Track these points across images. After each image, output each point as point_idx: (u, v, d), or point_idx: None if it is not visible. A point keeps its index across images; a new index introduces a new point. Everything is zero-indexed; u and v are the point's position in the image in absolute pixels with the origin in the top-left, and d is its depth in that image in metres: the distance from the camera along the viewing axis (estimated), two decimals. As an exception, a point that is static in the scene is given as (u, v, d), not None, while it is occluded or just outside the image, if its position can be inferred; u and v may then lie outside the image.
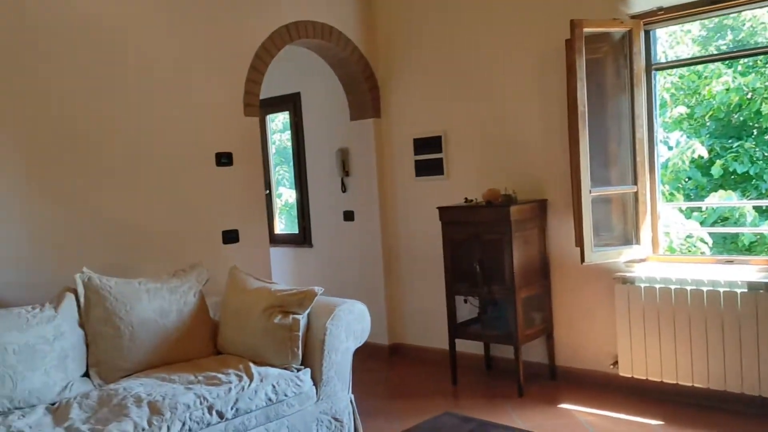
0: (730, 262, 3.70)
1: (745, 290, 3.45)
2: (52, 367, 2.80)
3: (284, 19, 4.45)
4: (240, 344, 3.25)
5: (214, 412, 2.69)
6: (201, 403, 2.68)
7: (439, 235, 4.37)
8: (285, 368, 3.06)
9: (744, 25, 6.31)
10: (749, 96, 6.34)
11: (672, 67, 5.22)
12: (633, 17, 3.84)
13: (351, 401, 3.30)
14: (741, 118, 6.48)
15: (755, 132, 6.48)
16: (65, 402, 2.74)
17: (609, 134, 3.98)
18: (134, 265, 3.62)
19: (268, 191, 5.93)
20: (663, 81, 6.54)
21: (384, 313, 5.20)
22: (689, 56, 6.36)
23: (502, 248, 4.01)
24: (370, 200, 5.24)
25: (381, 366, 4.99)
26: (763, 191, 6.32)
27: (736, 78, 6.36)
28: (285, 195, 7.00)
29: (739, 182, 6.46)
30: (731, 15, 3.85)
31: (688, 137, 6.74)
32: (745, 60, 6.24)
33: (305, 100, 5.77)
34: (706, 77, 6.58)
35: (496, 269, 4.08)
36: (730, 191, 6.32)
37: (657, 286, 3.74)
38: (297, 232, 6.01)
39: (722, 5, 3.60)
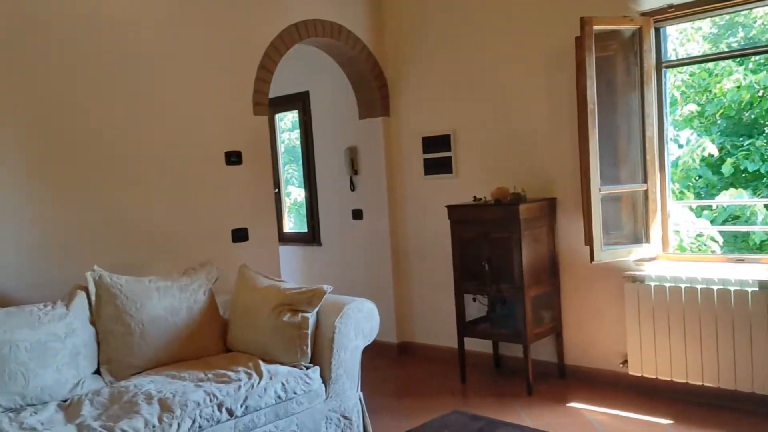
0: (741, 260, 3.68)
1: (756, 289, 3.43)
2: (64, 365, 2.83)
3: (293, 17, 4.46)
4: (249, 342, 3.26)
5: (223, 410, 2.70)
6: (211, 401, 2.69)
7: (448, 234, 4.37)
8: (294, 366, 3.07)
9: (755, 22, 6.26)
10: (760, 94, 6.30)
11: (682, 65, 5.20)
12: (643, 14, 3.82)
13: (360, 399, 3.30)
14: (752, 116, 6.44)
15: (766, 130, 6.43)
16: (77, 399, 2.76)
17: (619, 132, 3.96)
18: (144, 264, 3.64)
19: (277, 190, 5.94)
20: (673, 79, 6.50)
21: (393, 311, 5.20)
22: (700, 54, 6.32)
23: (511, 247, 4.01)
24: (379, 199, 5.24)
25: (390, 364, 5.00)
26: (774, 189, 6.28)
27: (747, 75, 6.32)
28: (294, 194, 7.02)
29: (750, 180, 6.42)
30: (742, 12, 3.82)
31: (698, 135, 6.70)
32: (757, 57, 6.19)
33: (314, 98, 5.78)
34: (716, 75, 6.53)
35: (504, 268, 4.07)
36: (741, 189, 6.28)
37: (667, 284, 3.72)
38: (306, 230, 6.02)
39: (733, 2, 3.58)
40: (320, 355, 3.15)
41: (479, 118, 4.64)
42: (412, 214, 5.12)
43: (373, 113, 5.19)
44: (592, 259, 3.80)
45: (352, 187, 5.43)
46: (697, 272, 3.67)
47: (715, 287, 3.55)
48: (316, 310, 3.18)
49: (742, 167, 6.32)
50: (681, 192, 6.41)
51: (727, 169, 6.38)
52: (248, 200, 4.24)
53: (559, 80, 4.18)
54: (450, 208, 4.35)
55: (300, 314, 3.13)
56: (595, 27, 3.71)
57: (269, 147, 4.44)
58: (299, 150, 6.09)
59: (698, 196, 6.68)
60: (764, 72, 6.24)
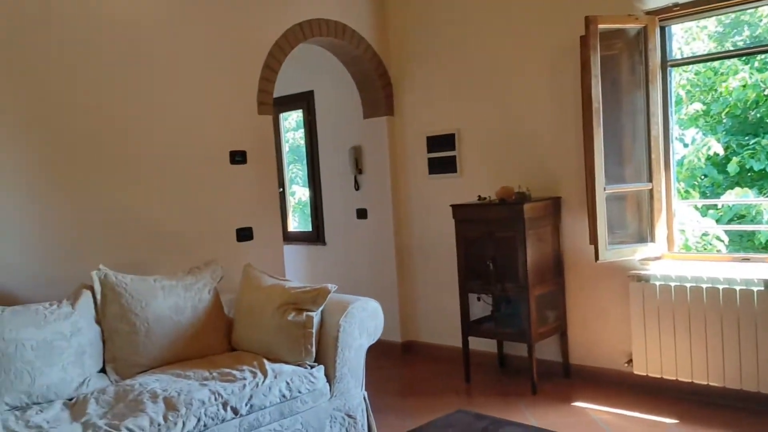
0: (747, 260, 3.67)
1: (762, 288, 3.42)
2: (70, 363, 2.84)
3: (298, 17, 4.46)
4: (254, 341, 3.27)
5: (228, 408, 2.71)
6: (216, 399, 2.70)
7: (453, 233, 4.37)
8: (299, 365, 3.07)
9: (761, 20, 6.24)
10: (766, 92, 6.27)
11: (688, 64, 5.18)
12: (648, 13, 3.81)
13: (364, 398, 3.31)
14: (758, 115, 6.42)
15: (772, 129, 6.42)
16: (82, 397, 2.78)
17: (624, 131, 3.95)
18: (149, 263, 3.65)
19: (281, 189, 5.95)
20: (678, 77, 6.48)
21: (397, 310, 5.21)
22: (705, 52, 6.30)
23: (516, 246, 4.00)
24: (383, 198, 5.24)
25: (394, 363, 5.00)
26: (780, 189, 6.26)
27: (753, 74, 6.29)
28: (298, 193, 7.03)
29: (756, 179, 6.40)
30: (748, 10, 3.80)
31: (704, 134, 6.69)
32: (762, 56, 6.17)
33: (318, 98, 5.79)
34: (722, 73, 6.51)
35: (509, 267, 4.07)
36: (746, 189, 6.26)
37: (672, 284, 3.71)
38: (310, 230, 6.03)
39: (739, 0, 3.56)
40: (325, 354, 3.16)
41: (484, 117, 4.64)
42: (416, 213, 5.12)
43: (377, 113, 5.19)
44: (596, 258, 3.79)
45: (357, 187, 5.44)
46: (702, 271, 3.66)
47: (720, 286, 3.54)
48: (320, 309, 3.18)
49: (747, 166, 6.30)
50: (686, 191, 6.39)
51: (732, 168, 6.36)
52: (253, 199, 4.25)
53: (563, 79, 4.18)
54: (454, 207, 4.35)
55: (305, 313, 3.13)
56: (600, 26, 3.70)
57: (273, 146, 4.44)
58: (304, 149, 6.10)
59: (703, 195, 6.66)
60: (770, 71, 6.22)
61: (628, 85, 3.93)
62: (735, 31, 6.44)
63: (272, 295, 3.26)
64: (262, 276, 3.48)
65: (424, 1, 4.93)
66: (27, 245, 3.22)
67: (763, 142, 6.30)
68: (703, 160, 6.43)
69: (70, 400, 2.78)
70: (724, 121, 6.61)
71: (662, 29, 3.86)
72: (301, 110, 5.99)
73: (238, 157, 4.15)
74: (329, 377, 3.12)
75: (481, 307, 4.46)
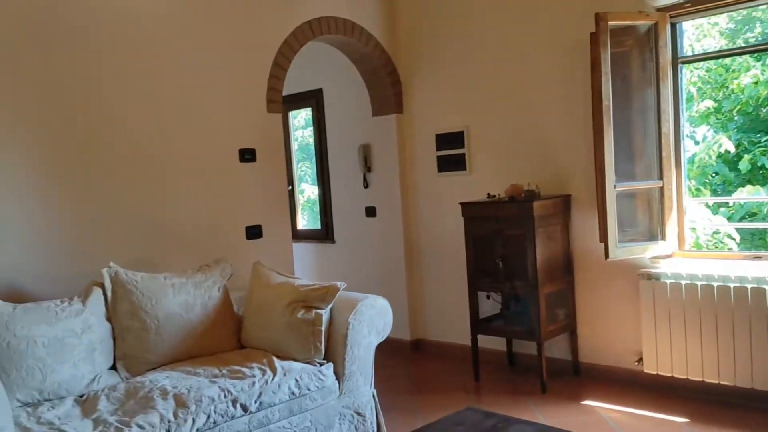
0: (758, 258, 3.64)
1: (774, 287, 3.39)
2: (81, 360, 2.86)
3: (306, 15, 4.46)
4: (263, 338, 3.27)
5: (238, 406, 2.72)
6: (225, 397, 2.71)
7: (462, 231, 4.36)
8: (308, 363, 3.08)
9: (773, 17, 6.18)
10: (778, 90, 6.22)
11: (699, 61, 5.13)
12: (659, 10, 3.79)
13: (373, 396, 3.31)
14: (770, 112, 6.36)
15: (784, 126, 6.36)
16: (93, 394, 2.79)
17: (634, 129, 3.93)
18: (160, 260, 3.66)
19: (290, 187, 5.96)
20: (689, 75, 6.43)
21: (406, 308, 5.20)
22: (716, 49, 6.25)
23: (525, 244, 3.99)
24: (392, 196, 5.24)
25: (403, 361, 5.00)
26: (793, 187, 6.20)
27: (765, 71, 6.24)
28: (307, 191, 7.03)
29: (768, 177, 6.35)
30: (760, 6, 3.77)
31: (715, 132, 6.63)
32: (775, 53, 6.12)
33: (327, 96, 5.79)
34: (733, 71, 6.46)
35: (518, 265, 4.06)
36: (758, 186, 6.21)
37: (683, 282, 3.69)
38: (319, 227, 6.04)
39: (751, -3, 3.54)
40: (334, 352, 3.16)
41: (493, 114, 4.62)
42: (425, 211, 5.12)
43: (386, 110, 5.19)
44: (606, 256, 3.78)
45: (366, 185, 5.44)
46: (713, 270, 3.63)
47: (731, 285, 3.52)
48: (329, 306, 3.18)
49: (759, 164, 6.25)
50: (697, 189, 6.34)
51: (744, 165, 6.30)
52: (262, 197, 4.26)
53: (574, 76, 4.15)
54: (463, 205, 4.34)
55: (314, 311, 3.14)
56: (611, 23, 3.68)
57: (283, 144, 4.45)
58: (313, 147, 6.10)
59: (715, 192, 6.61)
60: (782, 67, 6.17)
61: (638, 82, 3.91)
62: (747, 27, 6.38)
63: (281, 293, 3.27)
64: (271, 274, 3.49)
65: (433, -1, 4.92)
66: (38, 243, 3.24)
67: (775, 139, 6.25)
68: (714, 157, 6.37)
69: (81, 396, 2.80)
70: (736, 118, 6.56)
71: (673, 26, 3.84)
72: (310, 108, 6.00)
73: (247, 155, 4.16)
74: (338, 375, 3.13)
75: (490, 305, 4.45)
